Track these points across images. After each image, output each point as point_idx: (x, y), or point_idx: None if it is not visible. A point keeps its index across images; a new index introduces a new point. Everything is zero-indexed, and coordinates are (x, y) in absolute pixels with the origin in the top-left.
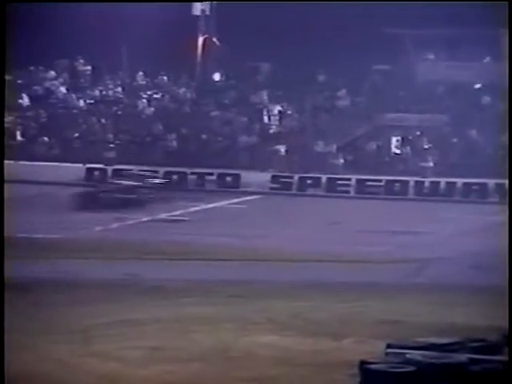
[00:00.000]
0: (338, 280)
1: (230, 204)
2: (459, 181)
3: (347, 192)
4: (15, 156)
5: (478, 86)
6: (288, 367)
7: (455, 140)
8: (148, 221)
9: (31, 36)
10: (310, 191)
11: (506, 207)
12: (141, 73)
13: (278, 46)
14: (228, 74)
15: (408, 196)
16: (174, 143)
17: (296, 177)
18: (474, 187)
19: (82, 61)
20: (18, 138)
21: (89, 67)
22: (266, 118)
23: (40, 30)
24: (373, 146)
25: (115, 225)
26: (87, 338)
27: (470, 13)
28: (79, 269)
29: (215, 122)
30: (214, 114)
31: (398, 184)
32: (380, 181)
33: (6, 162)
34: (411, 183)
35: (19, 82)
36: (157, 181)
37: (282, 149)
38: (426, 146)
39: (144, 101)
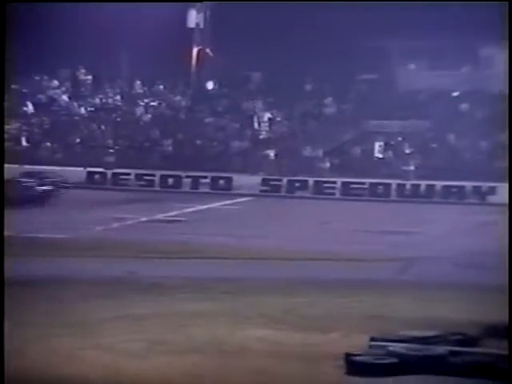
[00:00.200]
0: (328, 277)
1: (223, 205)
2: (439, 183)
3: (333, 194)
4: (20, 160)
5: (455, 93)
6: (279, 359)
7: (435, 145)
8: (146, 221)
9: (32, 38)
10: (298, 193)
11: (486, 208)
12: (139, 82)
13: (268, 56)
14: (221, 82)
15: (390, 198)
16: (170, 148)
17: (285, 180)
18: (453, 189)
19: (83, 70)
20: (23, 143)
21: (89, 77)
22: (256, 125)
23: (40, 35)
24: (357, 150)
25: (115, 225)
26: (89, 332)
27: (450, 25)
28: (81, 267)
29: (209, 128)
30: (207, 120)
31: (381, 186)
32: (364, 183)
33: (12, 166)
34: (393, 186)
35: (24, 90)
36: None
37: (272, 153)
38: (407, 151)
39: (142, 108)
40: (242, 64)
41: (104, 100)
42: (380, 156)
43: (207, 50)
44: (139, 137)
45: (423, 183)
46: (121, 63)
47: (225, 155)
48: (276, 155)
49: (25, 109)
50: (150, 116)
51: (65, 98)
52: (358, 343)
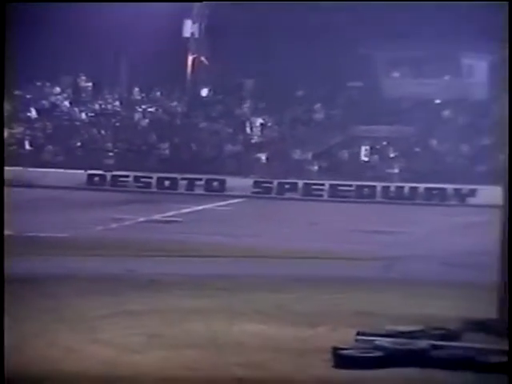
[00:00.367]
0: (318, 275)
1: (217, 206)
2: (422, 186)
3: (321, 196)
4: (24, 163)
5: (438, 101)
6: (271, 353)
7: (418, 149)
8: (144, 221)
9: (34, 43)
10: (288, 195)
11: (466, 209)
12: (137, 88)
13: (260, 64)
14: (215, 89)
15: (376, 199)
16: (167, 151)
17: (275, 182)
18: (435, 192)
19: (83, 78)
20: (27, 146)
21: (90, 84)
22: (249, 129)
23: (42, 42)
24: (344, 154)
25: (114, 225)
26: (88, 327)
27: (433, 35)
28: (80, 265)
29: (204, 133)
30: (202, 125)
31: (366, 189)
32: (351, 185)
33: (16, 168)
34: (378, 188)
35: (28, 96)
36: None
37: (264, 157)
38: (392, 155)
39: (140, 113)
40: (236, 71)
41: (104, 106)
42: (366, 159)
43: (202, 58)
44: (137, 141)
45: (407, 185)
46: (120, 71)
47: (219, 158)
48: (267, 158)
49: (28, 114)
50: (147, 121)
51: (66, 103)
52: (345, 338)
